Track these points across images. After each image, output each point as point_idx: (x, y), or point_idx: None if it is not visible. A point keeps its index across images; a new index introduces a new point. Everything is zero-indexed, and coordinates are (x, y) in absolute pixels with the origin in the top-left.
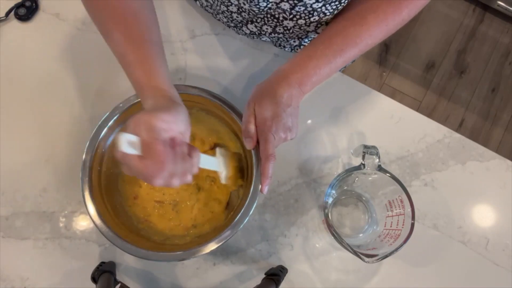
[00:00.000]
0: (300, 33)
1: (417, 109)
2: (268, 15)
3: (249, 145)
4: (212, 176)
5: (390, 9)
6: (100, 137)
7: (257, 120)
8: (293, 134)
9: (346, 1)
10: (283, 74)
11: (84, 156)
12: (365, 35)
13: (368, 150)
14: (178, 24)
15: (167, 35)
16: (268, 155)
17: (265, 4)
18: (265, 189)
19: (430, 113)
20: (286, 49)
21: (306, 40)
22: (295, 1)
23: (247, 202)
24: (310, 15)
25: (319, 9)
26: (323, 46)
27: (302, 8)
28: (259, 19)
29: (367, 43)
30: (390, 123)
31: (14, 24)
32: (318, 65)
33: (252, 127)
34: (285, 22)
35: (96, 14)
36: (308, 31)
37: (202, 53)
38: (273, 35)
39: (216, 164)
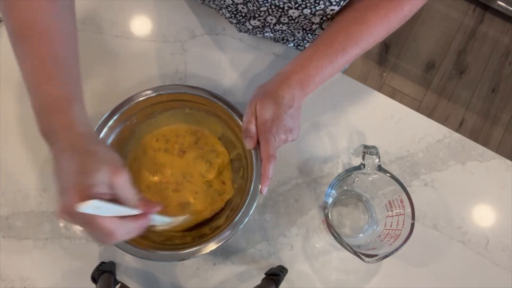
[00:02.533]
0: (305, 24)
1: (417, 109)
2: (273, 6)
3: (249, 145)
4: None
5: (391, 6)
6: (100, 137)
7: (258, 120)
8: (294, 135)
9: None
10: (284, 75)
11: None
12: (366, 33)
13: (368, 150)
14: (178, 24)
15: (167, 35)
16: (268, 156)
17: None
18: (265, 190)
19: (430, 113)
20: (290, 44)
21: (310, 35)
22: None
23: (247, 202)
24: (316, 4)
25: None
26: (324, 46)
27: None
28: (263, 12)
29: (369, 41)
30: (390, 123)
31: None
32: (319, 65)
33: (252, 127)
34: (290, 12)
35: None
36: (313, 23)
37: (202, 53)
38: (277, 26)
39: (166, 222)
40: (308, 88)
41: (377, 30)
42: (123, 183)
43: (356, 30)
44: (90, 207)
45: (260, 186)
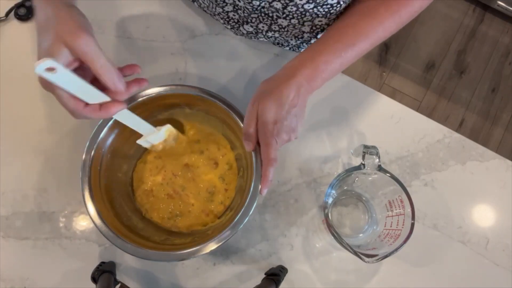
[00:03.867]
0: (296, 33)
1: (417, 109)
2: (262, 14)
3: (248, 147)
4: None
5: (403, 1)
6: (100, 137)
7: (259, 122)
8: (296, 134)
9: (339, 5)
10: (291, 70)
11: (84, 156)
12: (378, 27)
13: (368, 150)
14: (178, 24)
15: (167, 35)
16: (269, 159)
17: (258, 2)
18: (265, 191)
19: (430, 113)
20: (286, 48)
21: (305, 44)
22: (287, 1)
23: (247, 202)
24: (303, 15)
25: (310, 10)
26: (333, 40)
27: (294, 9)
28: (254, 19)
29: (379, 36)
30: (390, 123)
31: (14, 24)
32: (328, 60)
33: (252, 130)
34: (279, 21)
35: None
36: (304, 32)
37: (202, 53)
38: (269, 33)
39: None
40: (316, 83)
41: (388, 24)
42: (85, 47)
43: (367, 25)
44: (45, 66)
45: (260, 187)
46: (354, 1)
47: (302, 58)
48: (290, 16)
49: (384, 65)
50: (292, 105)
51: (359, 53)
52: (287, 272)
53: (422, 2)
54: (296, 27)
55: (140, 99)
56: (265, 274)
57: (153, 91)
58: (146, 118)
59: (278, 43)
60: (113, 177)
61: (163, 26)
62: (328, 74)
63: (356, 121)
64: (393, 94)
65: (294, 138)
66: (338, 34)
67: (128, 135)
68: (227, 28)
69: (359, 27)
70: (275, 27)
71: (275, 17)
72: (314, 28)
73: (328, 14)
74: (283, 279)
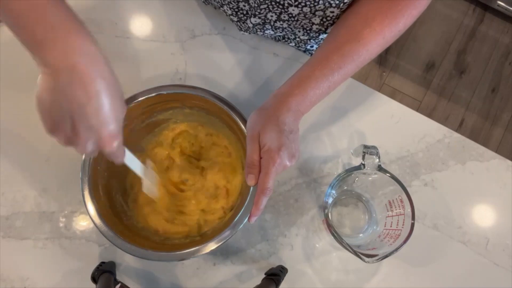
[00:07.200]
0: (305, 24)
1: (417, 109)
2: (273, 2)
3: (251, 181)
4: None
5: (386, 21)
6: None
7: (263, 150)
8: (296, 158)
9: None
10: (282, 98)
11: (84, 156)
12: (362, 50)
13: (368, 150)
14: (178, 24)
15: (167, 35)
16: (265, 188)
17: None
18: (253, 219)
19: (430, 113)
20: (291, 43)
21: (313, 41)
22: None
23: (247, 202)
24: (315, 3)
25: None
26: (320, 65)
27: None
28: (263, 10)
29: (365, 58)
30: (390, 123)
31: None
32: (317, 85)
33: (256, 161)
34: (290, 9)
35: None
36: (313, 23)
37: (202, 53)
38: (278, 23)
39: (139, 168)
40: (306, 108)
41: (372, 46)
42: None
43: (351, 48)
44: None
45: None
46: (340, 21)
47: (291, 86)
48: (303, 4)
49: (384, 65)
50: (290, 131)
51: (346, 76)
52: (287, 272)
53: (406, 21)
54: (307, 16)
55: (140, 99)
56: (265, 274)
57: (153, 91)
58: (146, 119)
59: (283, 37)
60: (113, 177)
61: (163, 26)
62: (316, 98)
63: (356, 121)
64: (393, 94)
65: (294, 163)
66: (325, 59)
67: (127, 135)
68: (233, 21)
69: (345, 52)
70: (284, 16)
71: (286, 4)
72: (324, 20)
73: (341, 4)
74: (283, 279)
